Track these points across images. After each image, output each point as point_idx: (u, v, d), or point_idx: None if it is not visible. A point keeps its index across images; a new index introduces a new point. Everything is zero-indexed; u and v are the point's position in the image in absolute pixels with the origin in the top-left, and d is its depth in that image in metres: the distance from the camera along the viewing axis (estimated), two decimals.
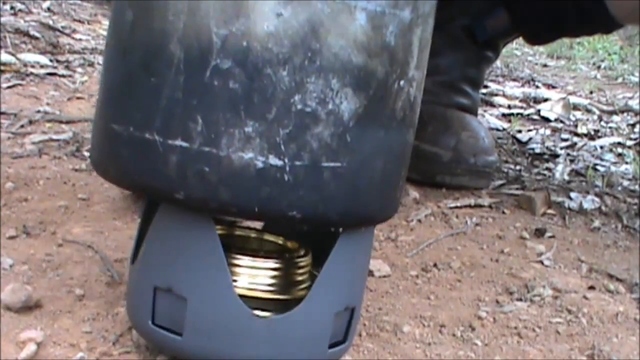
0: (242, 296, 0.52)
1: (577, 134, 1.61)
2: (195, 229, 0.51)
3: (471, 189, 1.09)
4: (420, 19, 0.51)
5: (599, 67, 2.76)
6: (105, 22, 2.02)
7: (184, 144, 0.48)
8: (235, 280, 0.54)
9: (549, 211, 1.05)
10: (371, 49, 0.48)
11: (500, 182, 1.16)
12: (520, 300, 0.75)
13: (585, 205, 1.08)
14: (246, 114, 0.47)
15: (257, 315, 0.52)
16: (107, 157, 0.52)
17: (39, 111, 1.25)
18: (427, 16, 0.52)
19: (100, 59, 1.65)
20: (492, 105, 1.80)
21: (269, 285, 0.55)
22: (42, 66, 1.55)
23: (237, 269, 0.54)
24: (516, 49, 2.96)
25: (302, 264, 0.57)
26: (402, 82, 0.50)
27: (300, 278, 0.56)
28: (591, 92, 2.15)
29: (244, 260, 0.54)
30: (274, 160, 0.47)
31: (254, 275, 0.55)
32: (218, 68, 0.47)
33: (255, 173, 0.47)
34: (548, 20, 1.13)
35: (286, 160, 0.47)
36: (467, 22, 1.15)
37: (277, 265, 0.55)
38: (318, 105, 0.47)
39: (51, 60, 1.61)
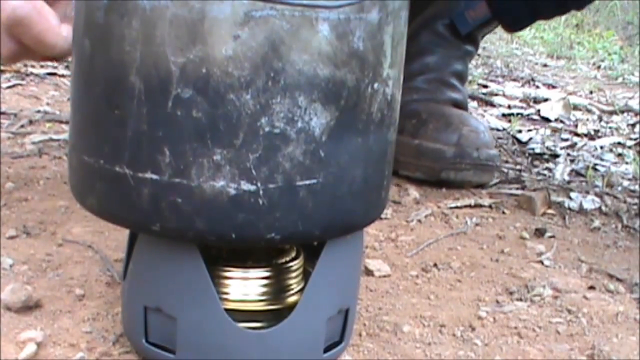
0: (233, 310, 0.52)
1: (577, 134, 1.61)
2: (177, 250, 0.50)
3: (475, 184, 1.10)
4: (390, 16, 0.49)
5: (599, 67, 2.75)
6: None
7: (154, 177, 0.47)
8: (226, 293, 0.54)
9: (549, 211, 1.05)
10: (338, 59, 0.46)
11: (500, 182, 1.16)
12: (520, 300, 0.75)
13: (585, 205, 1.08)
14: (213, 142, 0.46)
15: (249, 329, 0.52)
16: (84, 188, 0.52)
17: (39, 111, 1.25)
18: (398, 11, 0.50)
19: None
20: (492, 105, 1.80)
21: (261, 294, 0.55)
22: (42, 66, 1.55)
23: (227, 281, 0.54)
24: (516, 49, 2.96)
25: (293, 267, 0.56)
26: (376, 85, 0.49)
27: (292, 282, 0.56)
28: (591, 92, 2.15)
29: (234, 272, 0.54)
30: (246, 186, 0.46)
31: (245, 286, 0.54)
32: (180, 97, 0.45)
33: (229, 200, 0.47)
34: (526, 6, 1.16)
35: (259, 185, 0.47)
36: (449, 21, 1.19)
37: (267, 274, 0.55)
38: (286, 125, 0.46)
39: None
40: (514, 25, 1.23)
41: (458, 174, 1.08)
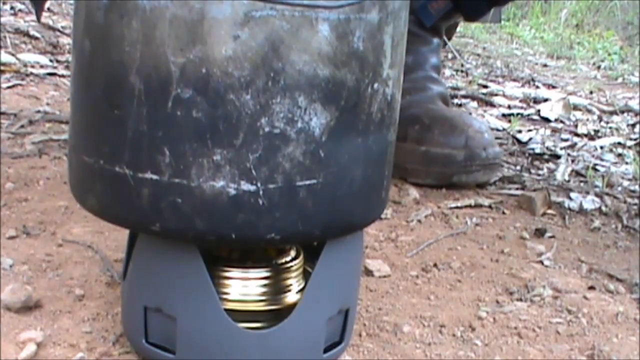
0: (233, 310, 0.52)
1: (577, 134, 1.61)
2: (177, 250, 0.50)
3: (484, 183, 1.10)
4: (390, 17, 0.49)
5: (599, 67, 2.75)
6: None
7: (154, 177, 0.47)
8: (226, 293, 0.54)
9: (549, 211, 1.05)
10: (338, 59, 0.47)
11: (500, 181, 1.16)
12: (520, 300, 0.75)
13: (585, 205, 1.08)
14: (213, 143, 0.46)
15: (249, 329, 0.52)
16: (84, 188, 0.52)
17: (39, 111, 1.25)
18: (398, 11, 0.50)
19: None
20: (492, 105, 1.80)
21: (260, 295, 0.55)
22: (42, 66, 1.55)
23: (227, 281, 0.54)
24: (516, 49, 2.96)
25: (293, 267, 0.56)
26: (376, 85, 0.49)
27: (291, 282, 0.56)
28: (591, 92, 2.15)
29: (233, 272, 0.54)
30: (246, 186, 0.47)
31: (245, 286, 0.54)
32: (179, 98, 0.46)
33: (229, 200, 0.47)
34: None
35: (259, 185, 0.47)
36: (414, 16, 1.21)
37: (267, 274, 0.55)
38: (286, 125, 0.46)
39: (51, 60, 1.61)
40: (473, 13, 1.25)
41: (469, 176, 1.09)
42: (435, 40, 1.24)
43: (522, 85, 2.15)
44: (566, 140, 1.54)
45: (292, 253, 0.57)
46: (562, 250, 0.90)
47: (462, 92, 1.86)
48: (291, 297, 0.55)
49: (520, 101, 1.89)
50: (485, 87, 2.03)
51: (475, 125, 1.11)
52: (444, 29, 1.28)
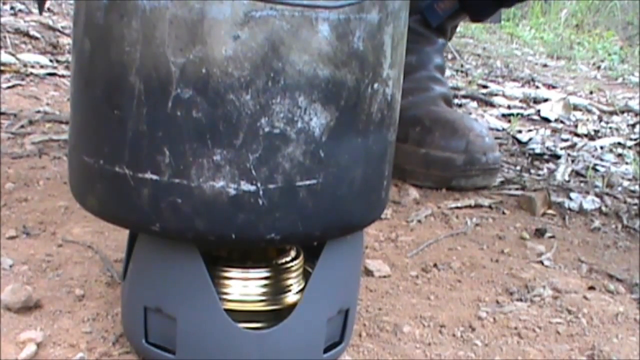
0: (233, 310, 0.52)
1: (577, 134, 1.61)
2: (177, 250, 0.50)
3: (482, 187, 1.10)
4: (390, 17, 0.49)
5: (599, 67, 2.75)
6: None
7: (154, 177, 0.47)
8: (226, 293, 0.54)
9: (549, 211, 1.05)
10: (338, 59, 0.47)
11: (501, 182, 1.16)
12: (520, 300, 0.75)
13: (585, 206, 1.08)
14: (213, 143, 0.46)
15: (248, 329, 0.52)
16: (84, 189, 0.52)
17: (39, 111, 1.25)
18: (398, 11, 0.50)
19: None
20: (492, 105, 1.80)
21: (260, 295, 0.55)
22: (42, 66, 1.55)
23: (227, 282, 0.54)
24: (516, 49, 2.96)
25: (293, 267, 0.56)
26: (375, 85, 0.49)
27: (291, 282, 0.56)
28: (591, 92, 2.15)
29: (233, 272, 0.54)
30: (246, 186, 0.47)
31: (245, 286, 0.54)
32: (179, 98, 0.46)
33: (229, 201, 0.47)
34: None
35: (259, 185, 0.47)
36: (420, 16, 1.21)
37: (267, 274, 0.55)
38: (286, 125, 0.46)
39: (51, 60, 1.61)
40: (479, 14, 1.25)
41: (469, 180, 1.09)
42: (440, 40, 1.24)
43: (522, 85, 2.15)
44: (566, 140, 1.55)
45: (292, 253, 0.57)
46: (562, 250, 0.90)
47: (462, 92, 1.86)
48: (291, 297, 0.55)
49: (520, 101, 1.89)
50: (485, 87, 2.03)
51: (477, 128, 1.11)
52: (450, 29, 1.28)
